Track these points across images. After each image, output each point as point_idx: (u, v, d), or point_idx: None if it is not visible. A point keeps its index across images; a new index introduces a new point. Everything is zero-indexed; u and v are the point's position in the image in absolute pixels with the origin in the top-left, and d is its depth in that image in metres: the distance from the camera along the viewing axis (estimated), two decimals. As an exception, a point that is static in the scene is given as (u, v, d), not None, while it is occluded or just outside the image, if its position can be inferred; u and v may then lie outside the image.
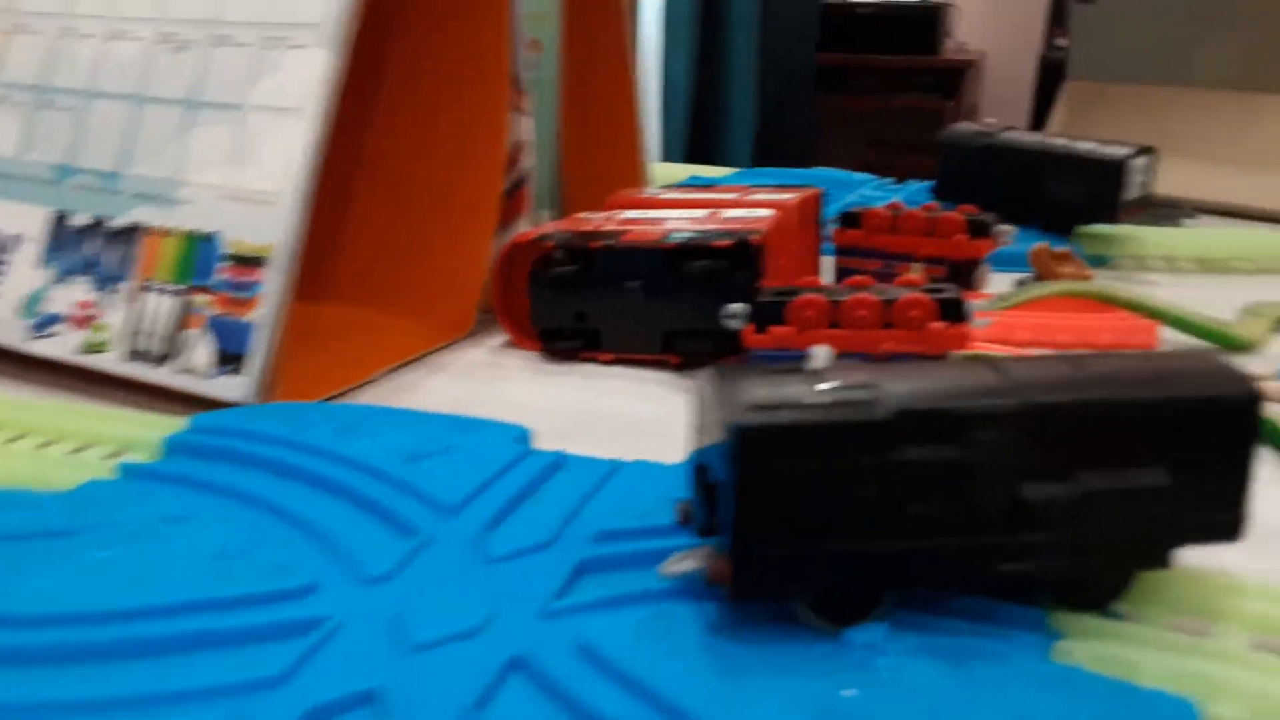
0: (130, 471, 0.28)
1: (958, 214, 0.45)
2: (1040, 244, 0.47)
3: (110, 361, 0.35)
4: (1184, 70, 0.83)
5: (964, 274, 0.45)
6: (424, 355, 0.40)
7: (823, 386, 0.19)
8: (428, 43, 0.42)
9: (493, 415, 0.31)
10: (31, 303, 0.37)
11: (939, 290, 0.34)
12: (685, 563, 0.22)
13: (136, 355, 0.34)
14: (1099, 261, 0.52)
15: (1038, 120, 1.22)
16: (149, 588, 0.22)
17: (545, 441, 0.30)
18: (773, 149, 1.79)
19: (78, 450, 0.30)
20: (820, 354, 0.23)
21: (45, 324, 0.36)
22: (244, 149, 0.34)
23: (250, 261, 0.33)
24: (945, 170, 0.59)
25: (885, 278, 0.44)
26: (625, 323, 0.38)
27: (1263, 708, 0.19)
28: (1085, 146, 0.55)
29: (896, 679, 0.19)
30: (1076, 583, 0.21)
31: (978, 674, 0.19)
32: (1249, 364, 0.37)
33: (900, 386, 0.20)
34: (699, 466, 0.21)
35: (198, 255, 0.34)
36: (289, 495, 0.26)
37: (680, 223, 0.39)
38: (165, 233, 0.35)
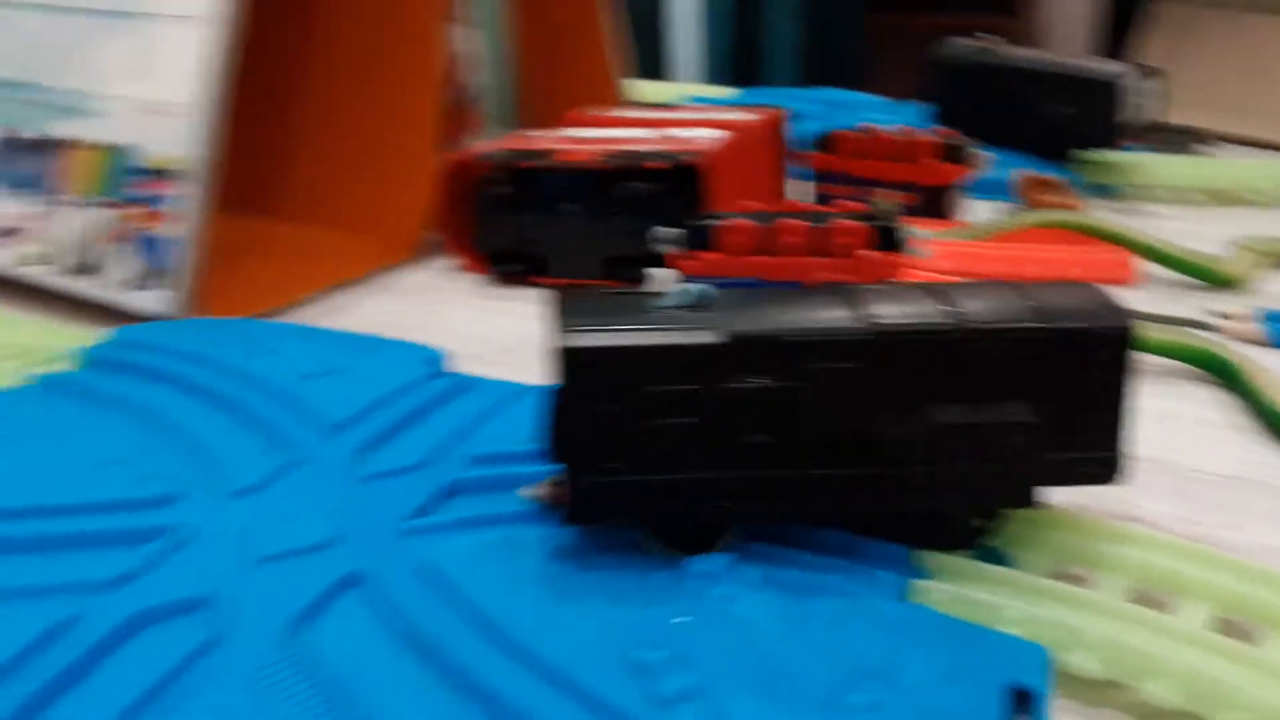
0: (42, 381, 0.28)
1: (931, 138, 0.43)
2: (1024, 171, 0.45)
3: (40, 276, 0.35)
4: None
5: (936, 200, 0.43)
6: (370, 276, 0.40)
7: (658, 310, 0.19)
8: None
9: (423, 338, 0.31)
10: (-27, 215, 0.37)
11: (874, 218, 0.33)
12: (542, 488, 0.21)
13: (67, 269, 0.35)
14: (1102, 191, 0.50)
15: (1115, 46, 1.14)
16: (17, 489, 0.22)
17: (465, 365, 0.30)
18: (822, 72, 1.74)
19: (9, 361, 0.30)
20: (663, 276, 0.22)
21: (-14, 236, 0.36)
22: (151, 59, 0.33)
23: (163, 174, 0.33)
24: (939, 91, 0.57)
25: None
26: (566, 247, 0.38)
27: (1119, 658, 0.18)
28: (1078, 64, 0.52)
29: (728, 609, 0.19)
30: (933, 521, 0.20)
31: (816, 610, 0.19)
32: (1230, 301, 0.36)
33: (739, 311, 0.19)
34: (553, 391, 0.21)
35: (116, 168, 0.34)
36: (182, 409, 0.26)
37: (623, 143, 0.38)
38: (85, 145, 0.34)
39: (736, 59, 1.71)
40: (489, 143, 0.40)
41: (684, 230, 0.33)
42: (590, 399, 0.18)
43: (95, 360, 0.29)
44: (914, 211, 0.42)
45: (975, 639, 0.19)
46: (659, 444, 0.19)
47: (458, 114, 0.42)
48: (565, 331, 0.18)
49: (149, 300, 0.33)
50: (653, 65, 1.48)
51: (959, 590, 0.20)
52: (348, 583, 0.20)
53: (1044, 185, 0.45)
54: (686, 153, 0.36)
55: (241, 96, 0.34)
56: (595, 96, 0.53)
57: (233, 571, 0.20)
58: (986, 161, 0.43)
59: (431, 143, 0.41)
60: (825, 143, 0.44)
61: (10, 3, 0.36)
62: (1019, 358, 0.19)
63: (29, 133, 0.36)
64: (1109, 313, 0.20)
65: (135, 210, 0.33)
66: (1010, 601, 0.19)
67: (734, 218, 0.33)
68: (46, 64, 0.36)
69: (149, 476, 0.23)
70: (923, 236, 0.34)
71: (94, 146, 0.34)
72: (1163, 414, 0.28)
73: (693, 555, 0.20)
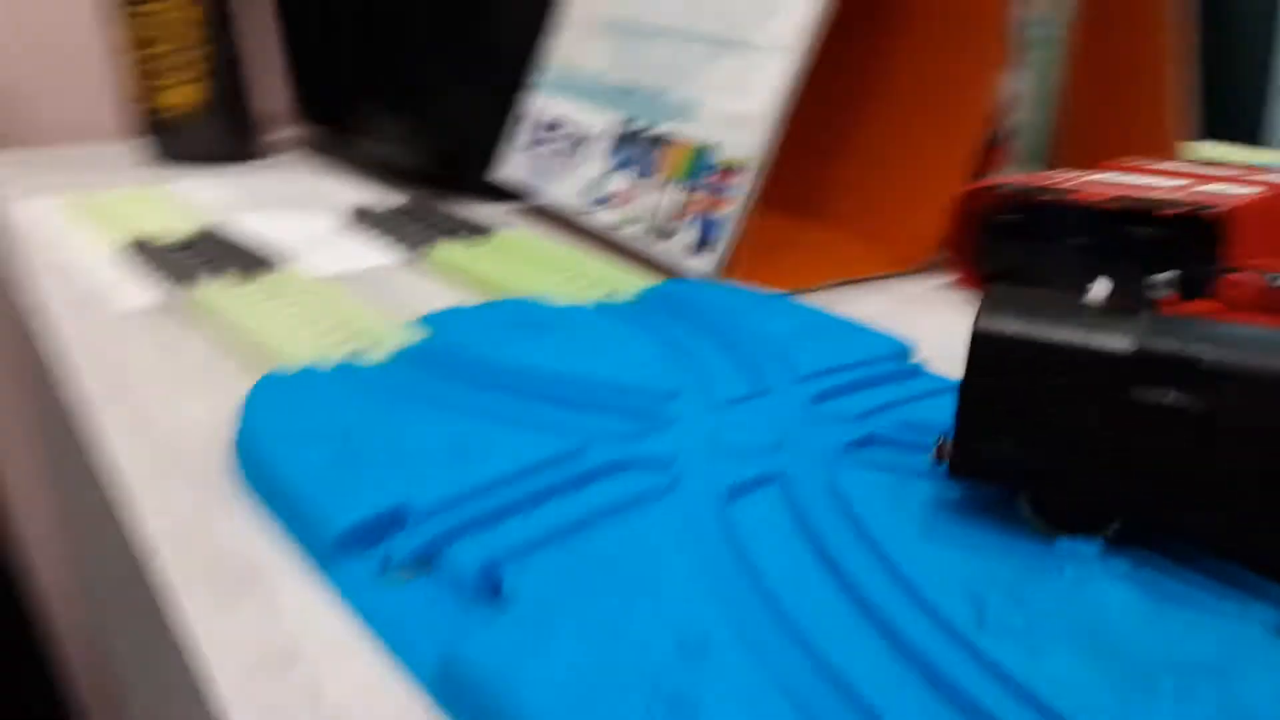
0: (604, 306, 0.38)
1: None
2: None
3: (630, 236, 0.46)
4: None
5: None
6: (875, 278, 0.45)
7: (1078, 314, 0.21)
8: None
9: (900, 335, 0.36)
10: (595, 185, 0.49)
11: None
12: (942, 446, 0.25)
13: (649, 233, 0.45)
14: None
15: None
16: (570, 365, 0.31)
17: (934, 366, 0.34)
18: None
19: (584, 285, 0.41)
20: (1099, 286, 0.24)
21: (600, 202, 0.48)
22: (743, 79, 0.41)
23: (732, 169, 0.41)
24: None
25: None
26: (1065, 279, 0.39)
27: None
28: None
29: (1077, 588, 0.21)
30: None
31: (1168, 616, 0.20)
32: None
33: (1162, 329, 0.21)
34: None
35: (699, 162, 0.43)
36: (694, 340, 0.34)
37: (1143, 190, 0.39)
38: (683, 142, 0.44)
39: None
40: (1013, 176, 0.43)
41: (1180, 276, 0.33)
42: (990, 379, 0.22)
43: (646, 298, 0.39)
44: None
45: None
46: (1051, 433, 0.21)
47: (991, 149, 0.46)
48: (981, 315, 0.22)
49: (695, 264, 0.42)
50: (1252, 129, 1.32)
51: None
52: (777, 478, 0.25)
53: None
54: (1206, 204, 0.36)
55: (804, 107, 0.41)
56: (1144, 148, 0.52)
57: (700, 447, 0.26)
58: None
59: (960, 173, 0.45)
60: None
61: (649, 33, 0.47)
62: None
63: (643, 126, 0.47)
64: None
65: (703, 196, 0.42)
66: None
67: (1249, 273, 0.33)
68: (669, 77, 0.46)
69: (662, 377, 0.31)
70: None
71: (686, 143, 0.44)
72: None
73: (1065, 534, 0.22)
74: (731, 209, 0.41)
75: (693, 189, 0.43)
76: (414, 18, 0.55)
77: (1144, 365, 0.20)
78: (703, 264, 0.41)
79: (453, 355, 0.32)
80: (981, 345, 0.22)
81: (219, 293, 0.40)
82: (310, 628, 0.21)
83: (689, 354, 0.33)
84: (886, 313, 0.41)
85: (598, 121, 0.50)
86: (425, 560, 0.22)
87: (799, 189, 0.50)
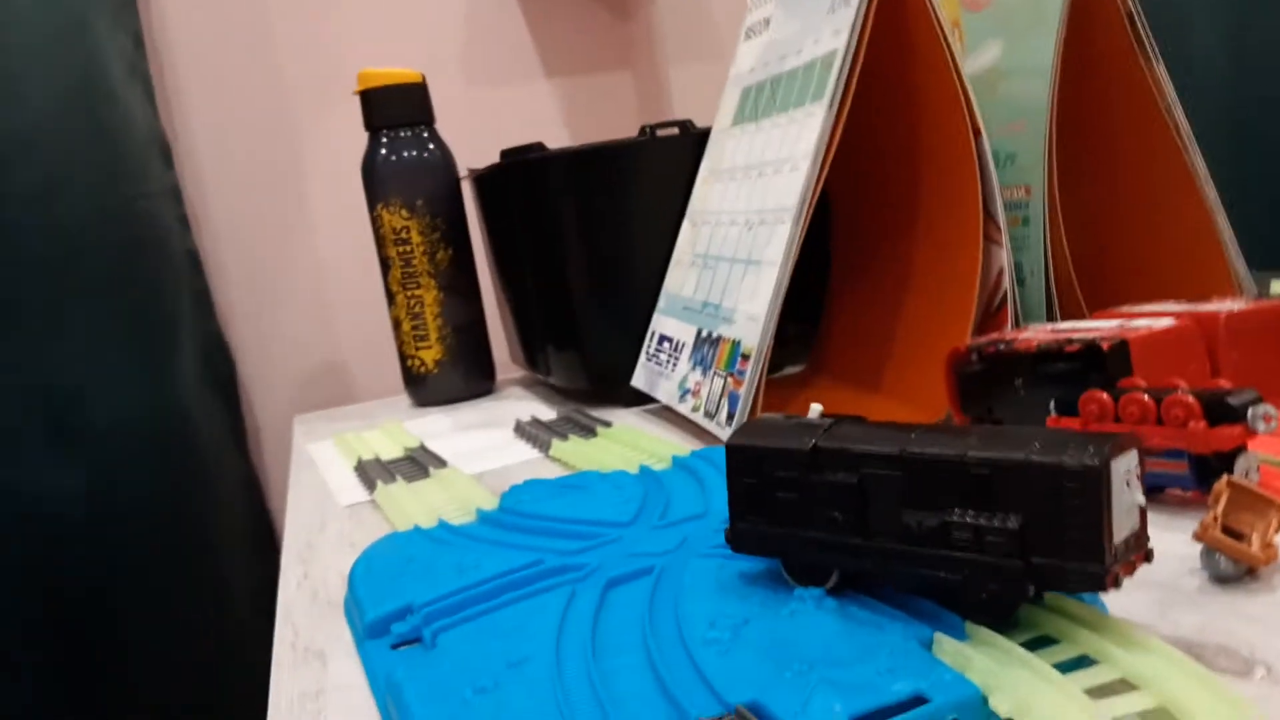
0: (642, 469, 0.50)
1: None
2: None
3: (698, 417, 0.58)
4: None
5: None
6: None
7: (786, 427, 0.31)
8: (911, 196, 0.56)
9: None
10: (682, 382, 0.62)
11: (1215, 393, 0.35)
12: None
13: (705, 414, 0.57)
14: None
15: None
16: (577, 510, 0.43)
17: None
18: None
19: (644, 457, 0.53)
20: (814, 409, 0.32)
21: (684, 394, 0.61)
22: (756, 288, 0.53)
23: (746, 357, 0.52)
24: None
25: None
26: (1017, 414, 0.46)
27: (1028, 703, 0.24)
28: None
29: (790, 618, 0.29)
30: (961, 596, 0.27)
31: (850, 632, 0.28)
32: None
33: (834, 434, 0.30)
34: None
35: (733, 354, 0.55)
36: (679, 485, 0.45)
37: (1080, 332, 0.45)
38: (726, 340, 0.56)
39: None
40: (993, 334, 0.50)
41: (1061, 399, 0.40)
42: (737, 476, 0.31)
43: (678, 462, 0.50)
44: None
45: (926, 664, 0.26)
46: (776, 509, 0.31)
47: (997, 314, 0.54)
48: (732, 436, 0.32)
49: (725, 432, 0.53)
50: None
51: (967, 649, 0.27)
52: (653, 571, 0.35)
53: None
54: (1108, 339, 0.42)
55: (839, 293, 0.52)
56: (1189, 288, 0.56)
57: (618, 555, 0.37)
58: None
59: (964, 334, 0.53)
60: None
61: (723, 257, 0.61)
62: (1005, 480, 0.26)
63: (708, 332, 0.59)
64: (1087, 454, 0.25)
65: (734, 379, 0.54)
66: (988, 663, 0.26)
67: (1115, 392, 0.39)
68: (724, 292, 0.59)
69: (628, 512, 0.42)
70: (1271, 414, 0.34)
71: (729, 340, 0.56)
72: None
73: (803, 585, 0.31)
74: (744, 387, 0.52)
75: (729, 375, 0.55)
76: (574, 279, 0.73)
77: (819, 457, 0.30)
78: (726, 432, 0.52)
79: (506, 514, 0.45)
80: (731, 454, 0.32)
81: (398, 489, 0.56)
82: (337, 679, 0.35)
83: (666, 494, 0.44)
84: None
85: (687, 333, 0.64)
86: (417, 635, 0.35)
87: (849, 362, 0.60)
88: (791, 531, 0.31)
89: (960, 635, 0.27)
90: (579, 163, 0.69)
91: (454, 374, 0.87)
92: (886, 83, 0.54)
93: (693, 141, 0.70)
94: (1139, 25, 0.55)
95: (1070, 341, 0.43)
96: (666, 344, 0.66)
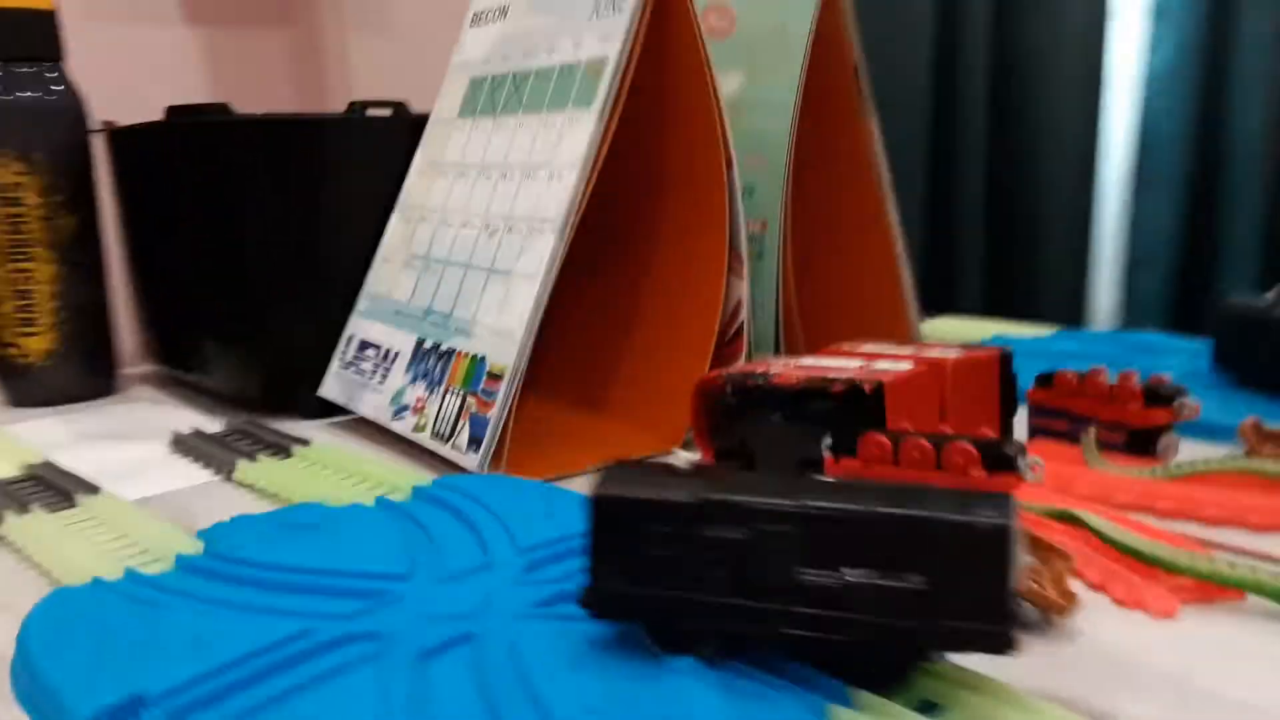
0: (381, 503, 0.44)
1: (1137, 384, 0.46)
2: (1251, 418, 0.46)
3: (422, 438, 0.52)
4: None
5: (1143, 441, 0.45)
6: (641, 458, 0.52)
7: (657, 476, 0.28)
8: (657, 218, 0.55)
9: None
10: (397, 396, 0.55)
11: (989, 442, 0.38)
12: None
13: (435, 435, 0.51)
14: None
15: None
16: (323, 557, 0.36)
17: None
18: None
19: (370, 486, 0.47)
20: (682, 456, 0.31)
21: (400, 411, 0.55)
22: (506, 301, 0.49)
23: (496, 376, 0.48)
24: (1220, 340, 0.57)
25: (1072, 438, 0.47)
26: (773, 449, 0.47)
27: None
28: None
29: (673, 694, 0.26)
30: (847, 660, 0.26)
31: (741, 706, 0.26)
32: None
33: (718, 484, 0.27)
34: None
35: (475, 371, 0.50)
36: (441, 525, 0.39)
37: (829, 370, 0.47)
38: (465, 355, 0.51)
39: (1176, 300, 1.56)
40: (742, 365, 0.51)
41: (835, 440, 0.41)
42: (606, 532, 0.28)
43: (418, 493, 0.44)
44: (1123, 448, 0.45)
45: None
46: (650, 569, 0.27)
47: (733, 344, 0.54)
48: (598, 485, 0.28)
49: (468, 460, 0.48)
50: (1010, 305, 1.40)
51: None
52: (470, 638, 0.30)
53: (1269, 436, 0.44)
54: (868, 381, 0.44)
55: (561, 311, 0.49)
56: (875, 331, 0.62)
57: (410, 619, 0.32)
58: (1193, 410, 0.44)
59: (704, 364, 0.52)
60: (1045, 380, 0.49)
61: (453, 262, 0.55)
62: (912, 538, 0.25)
63: (433, 343, 0.54)
64: (992, 512, 0.25)
65: (476, 400, 0.49)
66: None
67: (892, 435, 0.40)
68: (456, 301, 0.54)
69: (397, 561, 0.36)
70: (1038, 463, 0.38)
71: (467, 355, 0.51)
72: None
73: (674, 653, 0.28)
74: (494, 410, 0.47)
75: (470, 394, 0.50)
76: (254, 267, 0.63)
77: (705, 510, 0.27)
78: (472, 460, 0.48)
79: (221, 560, 0.37)
80: (598, 506, 0.28)
81: (37, 522, 0.44)
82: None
83: (432, 539, 0.38)
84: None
85: (402, 341, 0.57)
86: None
87: (575, 384, 0.58)
88: (668, 593, 0.28)
89: (845, 703, 0.26)
90: (274, 134, 0.60)
91: (68, 368, 0.71)
92: (645, 97, 0.52)
93: (407, 127, 0.63)
94: (860, 77, 0.59)
95: (832, 381, 0.45)
96: (372, 351, 0.59)
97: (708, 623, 0.27)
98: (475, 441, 0.48)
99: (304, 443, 0.55)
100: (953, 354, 0.50)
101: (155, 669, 0.29)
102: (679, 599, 0.27)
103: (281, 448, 0.54)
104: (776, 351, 0.58)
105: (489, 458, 0.47)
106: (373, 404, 0.57)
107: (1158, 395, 0.45)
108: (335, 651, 0.30)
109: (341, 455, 0.52)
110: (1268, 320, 0.55)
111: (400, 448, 0.56)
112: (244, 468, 0.51)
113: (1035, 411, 0.49)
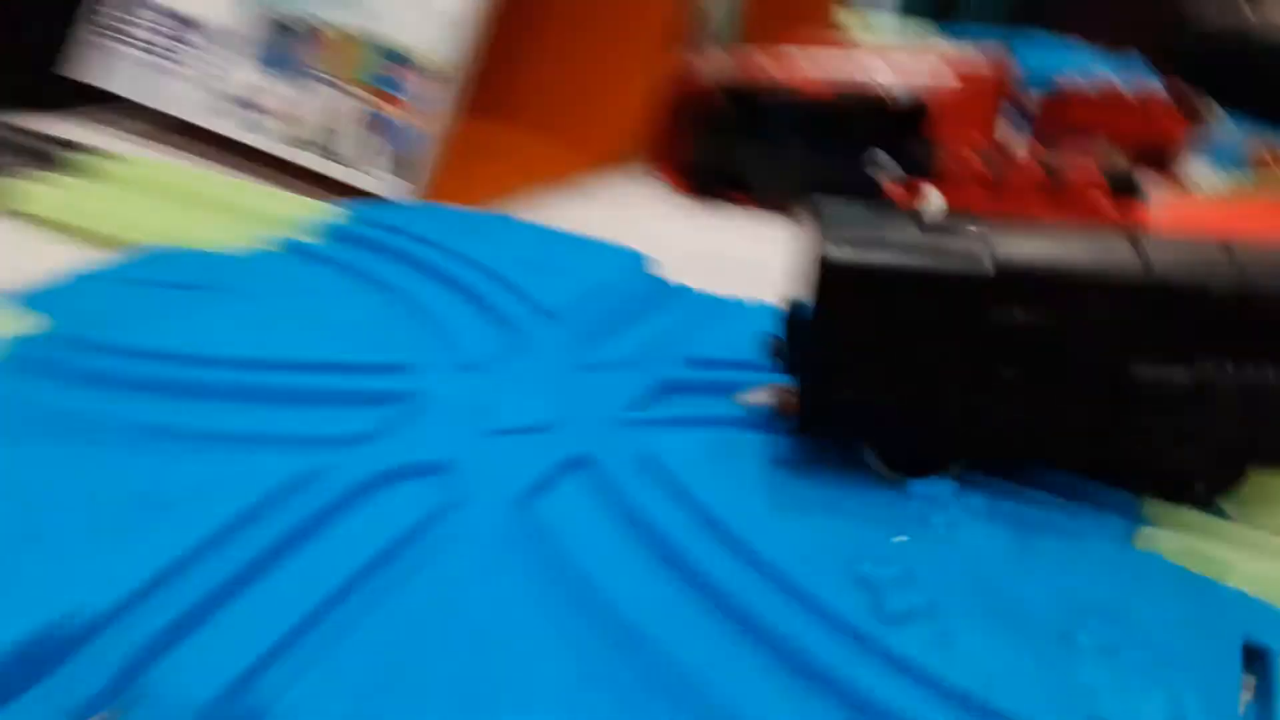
0: (289, 246, 0.30)
1: (1162, 94, 0.40)
2: (1260, 137, 0.42)
3: (288, 150, 0.37)
4: None
5: (1160, 159, 0.41)
6: (575, 181, 0.41)
7: (926, 231, 0.18)
8: None
9: (623, 243, 0.31)
10: (228, 89, 0.39)
11: (1113, 164, 0.31)
12: (762, 395, 0.21)
13: (320, 148, 0.36)
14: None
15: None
16: (269, 342, 0.24)
17: (667, 273, 0.30)
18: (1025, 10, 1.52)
19: (243, 224, 0.32)
20: (933, 198, 0.22)
21: (238, 107, 0.39)
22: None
23: (431, 76, 0.34)
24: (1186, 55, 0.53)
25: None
26: (780, 171, 0.37)
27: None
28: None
29: (954, 535, 0.19)
30: (1179, 475, 0.20)
31: (1040, 546, 0.19)
32: None
33: (1011, 241, 0.18)
34: (795, 304, 0.21)
35: (379, 58, 0.35)
36: (416, 284, 0.28)
37: (850, 74, 0.37)
38: (352, 37, 0.36)
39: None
40: (712, 61, 0.40)
41: (901, 161, 0.32)
42: (845, 315, 0.18)
43: (336, 233, 0.31)
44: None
45: (1207, 591, 0.18)
46: (908, 369, 0.19)
47: (680, 31, 0.42)
48: (828, 241, 0.18)
49: (385, 184, 0.34)
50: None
51: (1189, 541, 0.19)
52: (573, 464, 0.20)
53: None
54: (924, 89, 0.35)
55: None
56: (808, 16, 0.52)
57: (466, 440, 0.21)
58: (1219, 118, 0.40)
59: (648, 66, 0.41)
60: (1052, 90, 0.42)
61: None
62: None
63: (285, 14, 0.38)
64: None
65: (392, 106, 0.35)
66: (1241, 558, 0.19)
67: (968, 151, 0.32)
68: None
69: (387, 343, 0.24)
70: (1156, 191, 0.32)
71: (356, 37, 0.36)
72: None
73: (914, 478, 0.20)
74: (430, 123, 0.34)
75: (373, 92, 0.35)
76: None
77: (1002, 285, 0.18)
78: (393, 185, 0.34)
79: (84, 350, 0.23)
80: (833, 281, 0.18)
81: None
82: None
83: (414, 306, 0.27)
84: (600, 220, 0.37)
85: (228, 13, 0.40)
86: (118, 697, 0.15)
87: (486, 91, 0.43)
88: (929, 404, 0.19)
89: (1144, 521, 0.20)
90: None
91: None
92: None
93: None
94: None
95: (885, 95, 0.35)
96: (170, 23, 0.41)
97: (992, 443, 0.19)
98: (401, 162, 0.34)
99: (88, 151, 0.38)
100: (968, 59, 0.42)
101: (73, 574, 0.17)
102: (948, 411, 0.19)
103: (55, 155, 0.37)
104: (732, 44, 0.47)
105: (421, 183, 0.34)
106: (181, 96, 0.40)
107: (1186, 106, 0.40)
108: (381, 503, 0.19)
109: (168, 171, 0.36)
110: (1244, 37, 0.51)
111: (229, 158, 0.40)
112: (20, 192, 0.34)
113: (1041, 125, 0.43)
